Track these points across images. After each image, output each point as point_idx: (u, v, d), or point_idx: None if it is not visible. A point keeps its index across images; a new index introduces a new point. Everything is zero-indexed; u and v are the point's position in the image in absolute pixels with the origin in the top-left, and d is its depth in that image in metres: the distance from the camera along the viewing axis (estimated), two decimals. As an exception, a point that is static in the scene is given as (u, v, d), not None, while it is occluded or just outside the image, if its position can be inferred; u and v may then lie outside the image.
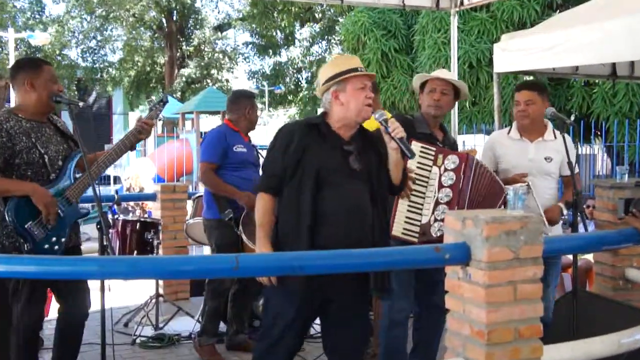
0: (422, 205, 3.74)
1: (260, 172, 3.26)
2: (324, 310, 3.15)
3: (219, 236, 4.70)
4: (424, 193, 3.75)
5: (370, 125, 3.40)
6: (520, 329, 2.56)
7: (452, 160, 3.78)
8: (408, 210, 3.72)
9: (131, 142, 3.74)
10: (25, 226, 3.39)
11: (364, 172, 3.05)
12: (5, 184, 3.41)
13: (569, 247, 3.69)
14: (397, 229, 3.70)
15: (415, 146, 3.71)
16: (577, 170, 4.29)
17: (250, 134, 4.95)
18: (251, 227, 4.25)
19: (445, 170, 3.77)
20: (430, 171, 3.76)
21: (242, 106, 4.83)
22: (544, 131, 4.26)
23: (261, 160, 3.74)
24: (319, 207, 2.97)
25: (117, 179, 15.82)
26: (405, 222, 3.71)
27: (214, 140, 4.73)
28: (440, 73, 4.08)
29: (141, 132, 3.74)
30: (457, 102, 7.41)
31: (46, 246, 3.45)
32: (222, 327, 4.96)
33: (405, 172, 3.26)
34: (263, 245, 3.04)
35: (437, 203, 3.74)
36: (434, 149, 3.81)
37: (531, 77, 12.38)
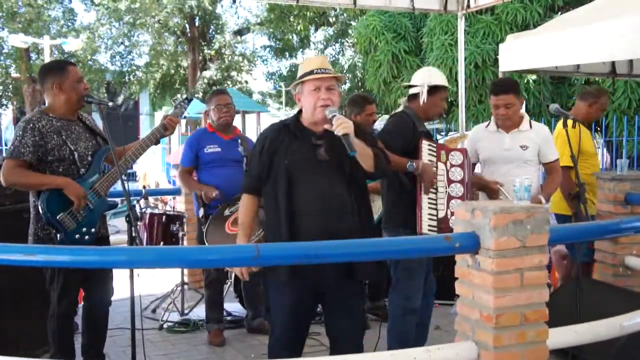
0: (436, 200, 3.74)
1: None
2: (322, 301, 3.13)
3: (197, 232, 4.91)
4: (436, 188, 3.76)
5: None
6: (527, 313, 2.55)
7: (456, 157, 3.81)
8: (428, 207, 3.72)
9: (156, 137, 3.77)
10: (57, 217, 3.41)
11: (334, 162, 2.98)
12: (39, 178, 3.44)
13: (572, 235, 3.65)
14: (424, 227, 3.69)
15: (425, 145, 3.76)
16: (557, 156, 4.31)
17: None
18: (216, 226, 4.30)
19: (452, 166, 3.78)
20: (437, 167, 3.77)
21: (206, 109, 4.94)
22: (520, 122, 4.25)
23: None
24: (294, 200, 2.95)
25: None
26: (429, 218, 3.71)
27: (186, 145, 4.91)
28: (442, 78, 4.01)
29: (167, 128, 3.77)
30: (464, 101, 7.45)
31: (77, 236, 3.47)
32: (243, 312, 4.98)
33: (380, 158, 3.08)
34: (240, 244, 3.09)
35: (450, 197, 3.74)
36: (435, 145, 3.83)
37: (534, 76, 12.29)
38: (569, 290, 4.16)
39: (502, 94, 4.17)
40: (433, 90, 3.90)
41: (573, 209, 4.78)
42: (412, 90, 3.95)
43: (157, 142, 3.82)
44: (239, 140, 4.74)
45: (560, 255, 5.59)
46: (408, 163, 3.66)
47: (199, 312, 5.28)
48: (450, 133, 10.75)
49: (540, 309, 2.58)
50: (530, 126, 4.25)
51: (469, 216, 2.59)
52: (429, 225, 3.71)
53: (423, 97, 3.86)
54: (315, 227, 2.91)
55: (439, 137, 12.97)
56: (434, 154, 3.78)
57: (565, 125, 4.46)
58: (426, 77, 3.94)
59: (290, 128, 3.09)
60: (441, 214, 3.72)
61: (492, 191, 4.12)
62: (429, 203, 3.72)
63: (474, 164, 4.44)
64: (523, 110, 4.37)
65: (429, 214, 3.71)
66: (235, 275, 5.15)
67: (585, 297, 3.75)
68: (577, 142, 4.65)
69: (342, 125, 2.89)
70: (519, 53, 5.94)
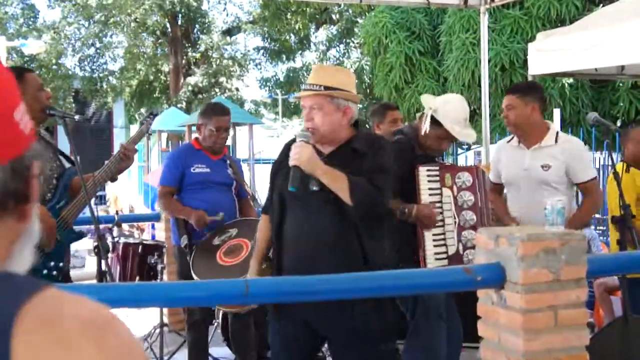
0: (444, 234, 3.65)
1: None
2: (329, 347, 3.20)
3: (178, 264, 4.89)
4: (442, 221, 3.65)
5: None
6: (563, 358, 2.53)
7: (464, 179, 3.68)
8: (434, 246, 3.64)
9: (112, 172, 3.73)
10: None
11: (327, 192, 2.86)
12: None
13: (615, 266, 3.64)
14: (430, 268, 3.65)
15: (422, 172, 3.65)
16: (593, 175, 4.22)
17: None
18: (204, 257, 4.32)
19: (460, 189, 3.67)
20: (441, 194, 3.66)
21: (200, 122, 4.80)
22: (544, 136, 4.13)
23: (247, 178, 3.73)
24: (282, 232, 3.04)
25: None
26: (435, 259, 3.63)
27: (169, 162, 4.89)
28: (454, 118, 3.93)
29: (123, 160, 3.74)
30: (488, 109, 7.47)
31: (44, 272, 3.46)
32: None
33: (358, 189, 2.83)
34: (251, 265, 3.25)
35: (461, 229, 3.65)
36: (437, 168, 3.70)
37: (570, 80, 12.32)
38: (616, 331, 4.14)
39: (507, 94, 4.21)
40: (435, 123, 3.74)
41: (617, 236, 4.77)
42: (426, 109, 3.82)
43: (112, 179, 3.82)
44: (227, 162, 4.78)
45: (606, 289, 5.57)
46: (398, 211, 3.53)
47: (181, 359, 5.28)
48: (473, 146, 10.75)
49: (579, 354, 2.56)
50: (556, 140, 4.12)
51: (492, 245, 2.59)
52: (439, 267, 3.60)
53: (425, 126, 3.72)
54: (292, 265, 2.97)
55: (459, 150, 12.99)
56: (436, 178, 3.67)
57: (615, 172, 4.40)
58: (442, 104, 3.82)
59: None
60: (452, 250, 3.63)
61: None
62: (434, 240, 3.62)
63: (502, 185, 4.38)
64: (555, 121, 4.35)
65: (436, 253, 3.61)
66: (223, 315, 5.15)
67: (634, 340, 3.73)
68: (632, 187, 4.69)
69: (295, 156, 2.86)
70: (552, 53, 5.97)
